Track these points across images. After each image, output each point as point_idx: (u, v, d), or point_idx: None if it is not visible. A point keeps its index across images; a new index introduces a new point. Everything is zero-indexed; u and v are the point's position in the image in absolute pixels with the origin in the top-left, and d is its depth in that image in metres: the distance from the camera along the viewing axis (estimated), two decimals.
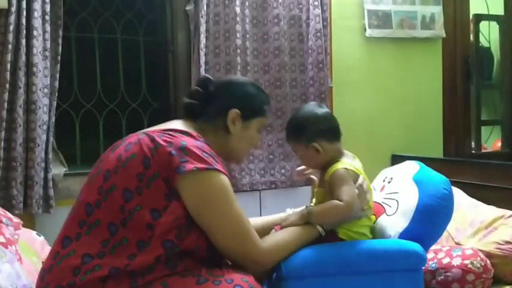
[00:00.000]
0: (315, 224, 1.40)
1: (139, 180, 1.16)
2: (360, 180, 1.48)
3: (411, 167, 1.68)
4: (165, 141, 1.18)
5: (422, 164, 1.69)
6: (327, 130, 1.52)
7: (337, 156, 1.53)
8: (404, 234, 1.50)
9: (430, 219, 1.50)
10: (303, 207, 1.49)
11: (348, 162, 1.51)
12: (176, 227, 1.16)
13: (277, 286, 1.42)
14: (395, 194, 1.63)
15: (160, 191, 1.16)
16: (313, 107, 1.56)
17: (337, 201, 1.39)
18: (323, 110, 1.55)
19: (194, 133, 1.26)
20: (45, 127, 2.34)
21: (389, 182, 1.72)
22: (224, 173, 1.22)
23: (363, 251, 1.44)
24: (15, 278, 1.38)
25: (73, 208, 1.25)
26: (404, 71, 3.20)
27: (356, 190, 1.44)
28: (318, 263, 1.39)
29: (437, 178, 1.57)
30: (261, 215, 2.84)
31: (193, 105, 1.38)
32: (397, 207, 1.57)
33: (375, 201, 1.61)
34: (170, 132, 1.23)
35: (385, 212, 1.61)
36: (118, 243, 1.14)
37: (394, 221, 1.54)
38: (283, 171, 2.85)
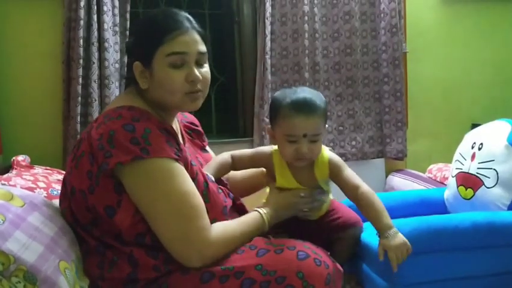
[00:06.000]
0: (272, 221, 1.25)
1: (89, 178, 1.09)
2: None
3: (501, 128, 1.54)
4: (98, 133, 1.08)
5: None
6: None
7: None
8: None
9: None
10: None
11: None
12: (141, 220, 1.09)
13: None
14: (491, 163, 1.49)
15: (109, 185, 1.08)
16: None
17: (371, 192, 1.27)
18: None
19: (128, 113, 1.10)
20: None
21: (479, 149, 1.57)
22: (158, 156, 1.07)
23: (481, 225, 1.33)
24: None
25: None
26: (485, 34, 2.97)
27: None
28: (433, 237, 1.30)
29: None
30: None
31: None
32: (497, 178, 1.44)
33: (468, 173, 1.48)
34: (106, 120, 1.10)
35: (483, 184, 1.48)
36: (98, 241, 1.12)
37: (497, 194, 1.43)
38: (353, 143, 2.74)
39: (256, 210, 1.25)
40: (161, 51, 1.12)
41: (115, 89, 2.36)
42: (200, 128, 1.43)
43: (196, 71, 1.15)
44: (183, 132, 1.33)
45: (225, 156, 1.36)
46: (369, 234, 1.50)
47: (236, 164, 1.37)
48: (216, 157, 1.37)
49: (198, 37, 1.17)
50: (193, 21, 1.18)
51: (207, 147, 1.45)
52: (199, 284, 1.07)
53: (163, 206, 1.07)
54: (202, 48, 1.17)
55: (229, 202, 1.25)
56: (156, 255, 1.10)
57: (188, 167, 1.15)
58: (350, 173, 1.31)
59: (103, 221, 1.11)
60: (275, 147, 1.33)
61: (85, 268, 1.14)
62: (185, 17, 1.17)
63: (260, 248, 1.11)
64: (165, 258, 1.10)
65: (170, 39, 1.12)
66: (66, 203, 1.17)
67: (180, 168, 1.11)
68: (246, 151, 1.38)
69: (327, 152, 1.31)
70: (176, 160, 1.10)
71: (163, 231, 1.08)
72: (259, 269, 1.06)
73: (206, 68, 1.19)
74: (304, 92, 1.27)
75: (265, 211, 1.24)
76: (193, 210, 1.09)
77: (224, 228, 1.15)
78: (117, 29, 2.38)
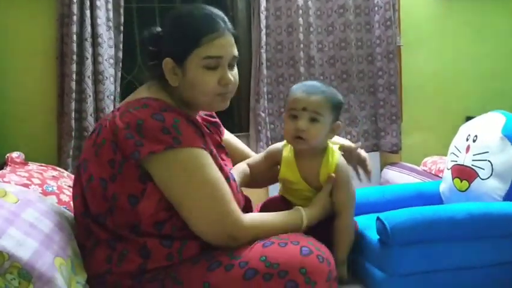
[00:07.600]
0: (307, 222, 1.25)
1: (111, 166, 1.10)
2: None
3: (495, 120, 1.53)
4: (124, 121, 1.09)
5: (509, 113, 1.54)
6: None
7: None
8: (508, 198, 1.38)
9: None
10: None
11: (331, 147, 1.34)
12: (163, 208, 1.11)
13: (379, 252, 1.33)
14: (485, 154, 1.50)
15: (133, 174, 1.09)
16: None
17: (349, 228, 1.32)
18: None
19: (154, 103, 1.12)
20: (112, 97, 2.39)
21: (474, 141, 1.58)
22: (189, 145, 1.10)
23: (477, 215, 1.33)
24: None
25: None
26: (479, 27, 2.97)
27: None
28: (428, 227, 1.29)
29: None
30: None
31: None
32: (491, 169, 1.45)
33: (463, 165, 1.49)
34: (131, 109, 1.11)
35: (478, 176, 1.49)
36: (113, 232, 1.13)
37: (492, 185, 1.43)
38: (348, 137, 2.74)
39: (297, 209, 1.26)
40: (197, 53, 1.14)
41: (109, 85, 2.35)
42: (217, 120, 1.44)
43: (229, 74, 1.18)
44: (203, 126, 1.35)
45: (243, 166, 1.39)
46: (365, 227, 1.52)
47: (253, 169, 1.39)
48: (235, 168, 1.37)
49: (232, 40, 1.19)
50: (228, 22, 1.20)
51: (226, 133, 1.49)
52: (205, 272, 1.08)
53: (196, 194, 1.10)
54: (236, 51, 1.20)
55: (243, 202, 1.28)
56: (170, 244, 1.12)
57: (214, 158, 1.17)
58: (346, 194, 1.31)
59: (120, 210, 1.11)
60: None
61: (90, 263, 1.15)
62: (221, 17, 1.18)
63: (266, 240, 1.13)
64: (179, 246, 1.12)
65: (207, 42, 1.13)
66: (78, 190, 1.17)
67: (209, 157, 1.14)
68: (258, 155, 1.42)
69: (338, 156, 1.31)
70: (204, 149, 1.13)
71: (197, 218, 1.11)
72: (263, 260, 1.07)
73: (236, 70, 1.23)
74: (319, 82, 1.31)
75: (306, 210, 1.25)
76: (225, 194, 1.13)
77: (257, 215, 1.21)
78: (111, 24, 2.36)
